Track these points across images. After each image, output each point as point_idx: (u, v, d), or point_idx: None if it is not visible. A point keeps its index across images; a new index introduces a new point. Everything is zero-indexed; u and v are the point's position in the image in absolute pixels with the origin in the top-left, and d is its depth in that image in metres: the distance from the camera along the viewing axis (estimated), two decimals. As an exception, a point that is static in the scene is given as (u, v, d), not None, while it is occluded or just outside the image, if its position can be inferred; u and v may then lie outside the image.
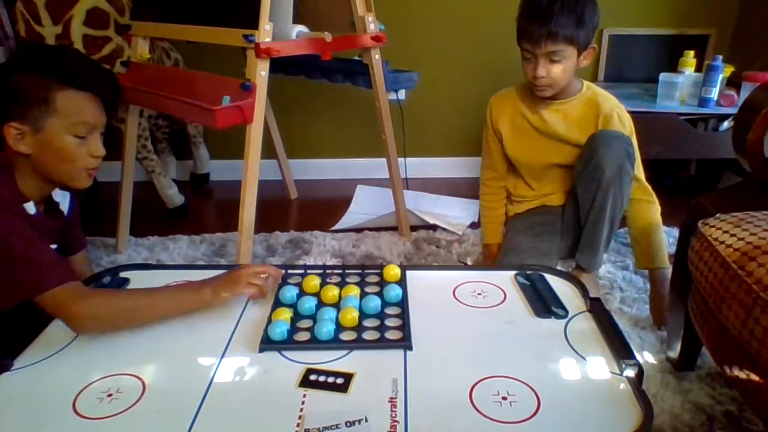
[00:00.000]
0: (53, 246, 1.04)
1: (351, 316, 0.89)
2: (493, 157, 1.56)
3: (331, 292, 0.97)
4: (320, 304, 0.96)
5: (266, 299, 0.99)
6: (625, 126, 1.38)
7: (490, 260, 1.60)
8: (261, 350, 0.84)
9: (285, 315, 0.90)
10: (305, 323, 0.90)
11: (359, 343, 0.85)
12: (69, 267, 0.95)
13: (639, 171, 1.40)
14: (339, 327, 0.88)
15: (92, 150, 1.00)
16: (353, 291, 0.98)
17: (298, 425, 0.69)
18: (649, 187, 1.41)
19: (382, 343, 0.85)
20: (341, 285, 1.02)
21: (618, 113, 1.37)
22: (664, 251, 1.40)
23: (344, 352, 0.84)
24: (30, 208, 0.99)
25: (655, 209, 1.41)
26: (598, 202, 1.32)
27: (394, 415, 0.70)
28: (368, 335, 0.87)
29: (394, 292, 0.97)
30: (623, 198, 1.33)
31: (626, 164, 1.30)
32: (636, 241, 1.44)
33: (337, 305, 0.94)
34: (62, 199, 1.11)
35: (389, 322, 0.90)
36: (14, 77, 0.94)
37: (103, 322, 0.90)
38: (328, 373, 0.79)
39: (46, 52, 1.01)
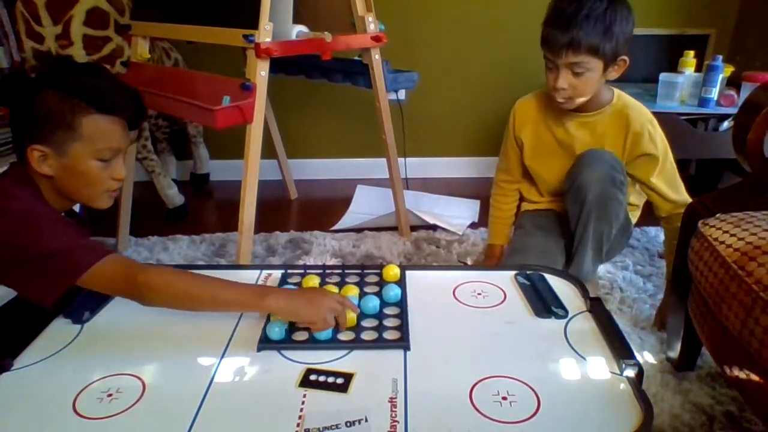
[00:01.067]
0: None
1: (349, 316, 0.89)
2: (510, 162, 1.51)
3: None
4: None
5: None
6: (657, 144, 1.31)
7: (492, 260, 1.59)
8: (259, 349, 0.84)
9: None
10: None
11: (357, 343, 0.85)
12: (108, 248, 0.92)
13: (675, 190, 1.33)
14: (337, 327, 0.88)
15: (114, 173, 0.98)
16: (352, 291, 0.98)
17: (298, 425, 0.69)
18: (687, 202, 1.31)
19: (380, 343, 0.85)
20: (340, 285, 1.02)
21: (649, 130, 1.30)
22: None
23: (344, 352, 0.84)
24: None
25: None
26: (582, 223, 1.30)
27: (394, 415, 0.70)
28: (366, 335, 0.87)
29: (393, 292, 0.97)
30: (610, 222, 1.30)
31: (610, 189, 1.26)
32: (667, 252, 1.40)
33: None
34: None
35: (388, 322, 0.90)
36: (40, 96, 0.91)
37: (166, 299, 0.87)
38: (328, 373, 0.79)
39: (73, 70, 0.97)
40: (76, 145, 0.93)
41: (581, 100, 1.27)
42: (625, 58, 1.24)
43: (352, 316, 0.90)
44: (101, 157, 0.96)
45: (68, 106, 0.91)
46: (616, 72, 1.26)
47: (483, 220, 2.01)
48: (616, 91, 1.35)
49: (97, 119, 0.93)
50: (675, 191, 1.34)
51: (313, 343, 0.85)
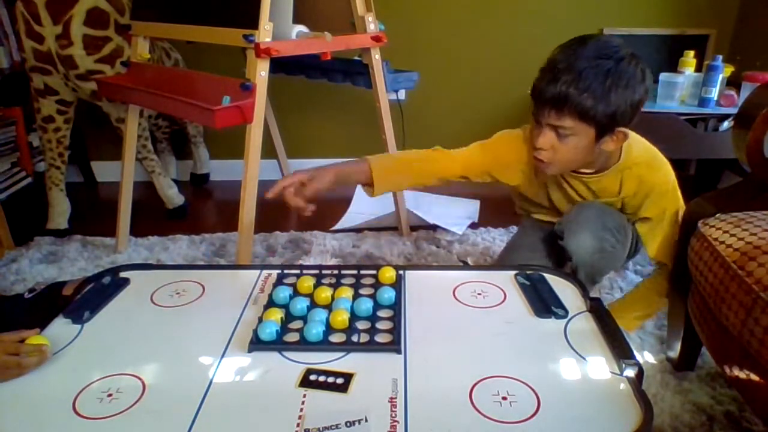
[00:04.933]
0: None
1: (341, 318, 0.89)
2: (470, 174, 1.26)
3: (324, 294, 0.97)
4: (312, 306, 0.95)
5: (261, 300, 0.99)
6: (668, 200, 1.17)
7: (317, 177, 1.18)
8: (250, 350, 0.84)
9: (275, 315, 0.90)
10: (296, 324, 0.90)
11: (348, 345, 0.85)
12: None
13: (666, 255, 1.19)
14: (329, 329, 0.88)
15: None
16: (346, 293, 0.97)
17: (298, 425, 0.69)
18: (665, 283, 1.22)
19: (371, 346, 0.85)
20: (335, 286, 1.01)
21: (660, 192, 1.16)
22: (634, 324, 1.30)
23: (344, 352, 0.84)
24: None
25: (656, 305, 1.28)
26: (572, 267, 1.24)
27: (394, 415, 0.70)
28: (358, 338, 0.86)
29: (387, 294, 0.96)
30: (602, 271, 1.25)
31: (598, 259, 1.18)
32: (632, 295, 1.33)
33: (329, 307, 0.94)
34: None
35: (380, 325, 0.89)
36: None
37: None
38: (328, 373, 0.78)
39: None
40: None
41: (563, 168, 1.13)
42: (625, 131, 1.06)
43: (343, 318, 0.89)
44: None
45: None
46: (614, 143, 1.08)
47: (483, 220, 2.02)
48: (625, 147, 1.14)
49: None
50: (670, 257, 1.19)
51: (304, 345, 0.85)
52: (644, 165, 1.15)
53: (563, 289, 1.02)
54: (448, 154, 1.26)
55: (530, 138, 1.13)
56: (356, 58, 1.74)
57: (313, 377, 0.78)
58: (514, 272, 1.08)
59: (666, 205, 1.17)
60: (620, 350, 0.81)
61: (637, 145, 1.16)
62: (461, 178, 1.27)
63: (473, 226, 1.98)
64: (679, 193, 1.18)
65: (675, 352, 1.20)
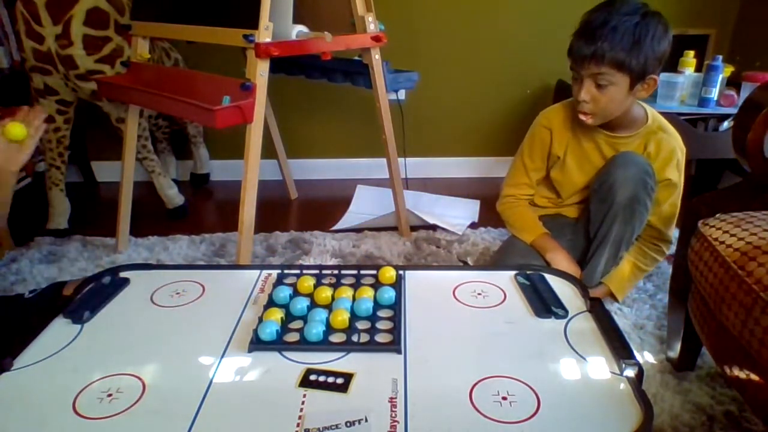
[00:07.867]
0: None
1: (342, 318, 0.89)
2: (530, 176, 1.44)
3: (324, 294, 0.97)
4: (312, 305, 0.95)
5: (261, 300, 0.99)
6: (681, 172, 1.31)
7: (555, 252, 1.38)
8: (250, 350, 0.84)
9: (276, 315, 0.90)
10: (296, 324, 0.90)
11: (348, 345, 0.85)
12: None
13: (667, 224, 1.35)
14: (330, 328, 0.88)
15: None
16: (346, 293, 0.97)
17: (298, 425, 0.69)
18: (664, 244, 1.38)
19: (371, 346, 0.85)
20: (335, 286, 1.01)
21: (678, 158, 1.30)
22: (627, 289, 1.41)
23: (344, 352, 0.84)
24: None
25: (653, 261, 1.40)
26: (606, 225, 1.29)
27: (394, 415, 0.70)
28: (358, 338, 0.86)
29: (387, 294, 0.96)
30: (633, 226, 1.28)
31: (641, 193, 1.24)
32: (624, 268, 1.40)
33: (329, 306, 0.94)
34: None
35: (381, 325, 0.89)
36: None
37: None
38: (328, 373, 0.78)
39: None
40: None
41: (605, 116, 1.25)
42: (655, 77, 1.20)
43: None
44: None
45: None
46: (645, 91, 1.22)
47: (483, 220, 2.02)
48: (650, 112, 1.32)
49: None
50: (666, 224, 1.36)
51: (304, 345, 0.85)
52: (665, 131, 1.30)
53: (563, 289, 1.02)
54: (523, 188, 1.46)
55: (573, 95, 1.25)
56: (356, 58, 1.74)
57: (313, 377, 0.78)
58: (514, 272, 1.08)
59: (673, 175, 1.30)
60: (620, 350, 0.81)
61: (657, 114, 1.33)
62: (537, 181, 1.46)
63: (473, 226, 1.98)
64: (683, 167, 1.32)
65: (675, 352, 1.20)
